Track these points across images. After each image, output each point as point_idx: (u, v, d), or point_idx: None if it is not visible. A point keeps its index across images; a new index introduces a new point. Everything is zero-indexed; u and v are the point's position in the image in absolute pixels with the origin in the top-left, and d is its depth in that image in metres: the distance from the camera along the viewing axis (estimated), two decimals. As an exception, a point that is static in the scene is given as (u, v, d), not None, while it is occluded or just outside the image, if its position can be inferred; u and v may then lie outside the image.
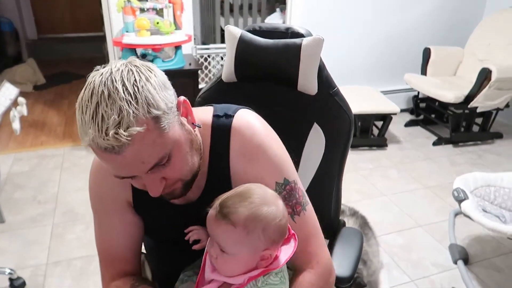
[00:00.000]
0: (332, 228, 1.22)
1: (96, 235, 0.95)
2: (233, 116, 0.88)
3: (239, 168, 0.86)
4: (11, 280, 1.77)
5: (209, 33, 4.10)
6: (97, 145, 0.66)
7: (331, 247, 1.08)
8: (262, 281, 0.76)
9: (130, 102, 0.66)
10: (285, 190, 0.85)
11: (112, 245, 0.93)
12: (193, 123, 0.81)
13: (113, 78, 0.67)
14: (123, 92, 0.66)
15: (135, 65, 0.71)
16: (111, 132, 0.64)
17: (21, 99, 2.29)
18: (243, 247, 0.74)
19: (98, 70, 0.72)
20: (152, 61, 2.57)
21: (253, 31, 1.22)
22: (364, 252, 1.77)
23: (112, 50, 2.95)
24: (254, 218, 0.73)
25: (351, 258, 0.99)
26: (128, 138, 0.65)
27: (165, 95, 0.71)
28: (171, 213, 0.91)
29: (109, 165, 0.71)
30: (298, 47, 1.12)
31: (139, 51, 2.61)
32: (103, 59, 4.96)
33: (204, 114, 0.90)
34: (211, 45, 3.29)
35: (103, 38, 3.47)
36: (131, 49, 2.49)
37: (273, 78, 1.18)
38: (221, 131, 0.87)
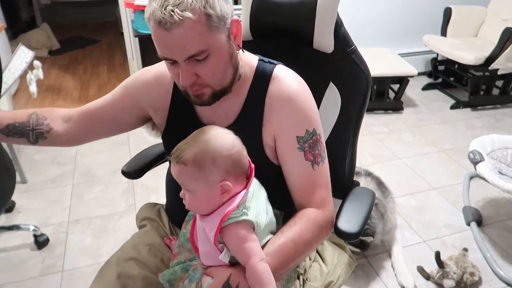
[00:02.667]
0: (345, 188, 1.22)
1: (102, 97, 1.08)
2: (276, 65, 0.96)
3: (272, 112, 0.92)
4: (35, 236, 1.85)
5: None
6: (155, 18, 0.75)
7: (342, 205, 1.09)
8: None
9: None
10: (312, 139, 0.92)
11: (100, 101, 1.08)
12: (238, 45, 0.88)
13: None
14: None
15: None
16: (169, 8, 0.74)
17: (37, 63, 2.31)
18: (199, 182, 0.79)
19: None
20: (164, 23, 2.54)
21: None
22: (382, 206, 1.78)
23: (125, 13, 2.92)
24: (201, 153, 0.78)
25: (360, 215, 1.00)
26: (180, 18, 0.74)
27: (223, 4, 0.79)
28: None
29: (158, 42, 0.79)
30: (314, 3, 1.09)
31: (151, 13, 2.58)
32: (116, 23, 4.91)
33: (251, 56, 0.98)
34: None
35: (115, 1, 3.42)
36: (143, 11, 2.46)
37: (289, 35, 1.16)
38: (263, 74, 0.94)
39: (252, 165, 0.86)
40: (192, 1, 0.74)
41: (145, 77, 1.02)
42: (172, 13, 0.73)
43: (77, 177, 2.36)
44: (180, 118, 1.00)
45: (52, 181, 2.32)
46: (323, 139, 0.97)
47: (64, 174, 2.38)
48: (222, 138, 0.81)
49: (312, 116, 0.94)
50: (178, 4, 0.74)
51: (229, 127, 0.93)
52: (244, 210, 0.80)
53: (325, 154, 0.96)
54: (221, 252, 0.80)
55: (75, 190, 2.25)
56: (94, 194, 2.22)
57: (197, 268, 0.85)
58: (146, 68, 1.04)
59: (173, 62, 0.82)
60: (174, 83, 0.98)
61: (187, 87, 0.85)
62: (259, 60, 0.97)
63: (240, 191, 0.81)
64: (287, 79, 0.94)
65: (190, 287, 0.84)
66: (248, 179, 0.84)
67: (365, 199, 1.09)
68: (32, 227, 1.85)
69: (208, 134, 0.82)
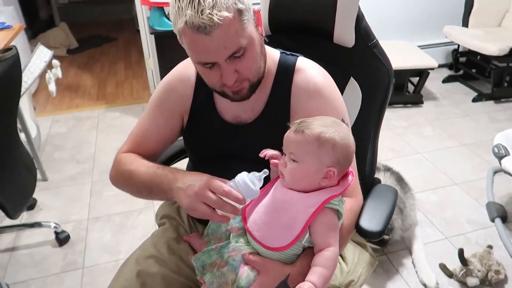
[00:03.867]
0: (366, 185, 1.19)
1: (139, 121, 1.06)
2: (298, 57, 0.98)
3: (300, 103, 0.94)
4: (56, 233, 1.88)
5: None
6: (192, 25, 0.76)
7: (364, 203, 1.06)
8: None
9: None
10: None
11: (146, 130, 1.03)
12: (261, 35, 0.89)
13: None
14: None
15: None
16: (206, 12, 0.75)
17: (55, 62, 2.33)
18: (312, 157, 0.81)
19: None
20: (180, 19, 2.54)
21: None
22: (401, 201, 1.75)
23: (141, 10, 2.93)
24: (326, 133, 0.81)
25: (383, 214, 0.97)
26: (220, 19, 0.75)
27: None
28: (222, 130, 0.99)
29: (197, 48, 0.80)
30: None
31: (167, 9, 2.58)
32: (133, 21, 4.94)
33: (272, 50, 0.99)
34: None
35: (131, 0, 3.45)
36: (159, 8, 2.46)
37: (308, 30, 1.14)
38: (286, 66, 0.96)
39: (351, 169, 0.88)
40: (224, 0, 0.76)
41: (171, 83, 1.03)
42: (211, 16, 0.74)
43: (96, 174, 2.39)
44: (202, 116, 1.01)
45: (71, 179, 2.35)
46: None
47: (84, 172, 2.41)
48: (347, 132, 0.85)
49: (340, 105, 0.96)
50: (213, 6, 0.75)
51: (255, 121, 0.97)
52: (339, 202, 0.84)
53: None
54: (300, 233, 0.80)
55: (94, 188, 2.27)
56: (113, 192, 2.23)
57: (236, 255, 0.84)
58: (165, 77, 1.05)
59: (212, 66, 0.83)
60: (196, 81, 1.00)
61: (229, 86, 0.86)
62: (281, 53, 0.99)
63: (333, 186, 0.84)
64: (311, 70, 0.96)
65: (227, 275, 0.84)
66: (343, 179, 0.87)
67: (387, 196, 1.06)
68: (53, 224, 1.88)
69: (338, 122, 0.85)
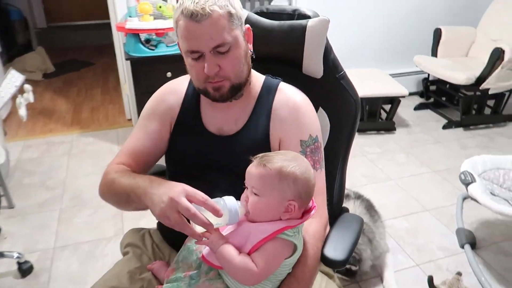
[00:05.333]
0: (334, 214, 1.20)
1: (132, 134, 1.10)
2: (281, 80, 1.08)
3: (279, 117, 1.02)
4: (19, 263, 1.80)
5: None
6: (186, 11, 0.87)
7: (329, 232, 1.06)
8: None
9: None
10: (314, 145, 1.01)
11: (137, 141, 1.07)
12: (250, 50, 1.00)
13: None
14: None
15: None
16: (201, 2, 0.87)
17: (27, 86, 2.30)
18: (274, 191, 0.83)
19: None
20: (156, 46, 2.56)
21: (261, 13, 1.22)
22: (370, 231, 1.75)
23: (117, 36, 2.94)
24: (288, 167, 0.84)
25: (347, 243, 0.98)
26: (211, 9, 0.87)
27: (240, 8, 0.95)
28: (205, 141, 1.04)
29: (188, 34, 0.90)
30: (303, 29, 1.11)
31: (143, 36, 2.60)
32: (112, 46, 4.95)
33: (259, 73, 1.09)
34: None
35: (110, 25, 3.45)
36: (134, 35, 2.47)
37: (279, 60, 1.18)
38: (270, 86, 1.06)
39: (315, 204, 0.90)
40: (219, 0, 0.89)
41: (162, 94, 1.11)
42: (204, 6, 0.87)
43: (65, 201, 2.32)
44: (187, 125, 1.06)
45: (40, 206, 2.29)
46: (322, 148, 1.05)
47: (53, 198, 2.35)
48: (308, 167, 0.88)
49: (315, 124, 1.04)
50: (207, 1, 0.87)
51: (237, 134, 1.02)
52: (295, 233, 0.85)
53: (323, 163, 1.05)
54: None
55: (63, 215, 2.21)
56: (83, 219, 2.18)
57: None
58: (158, 90, 1.13)
59: (197, 58, 0.92)
60: (186, 94, 1.08)
61: (209, 79, 0.93)
62: (266, 75, 1.09)
63: (296, 219, 0.86)
64: (291, 91, 1.06)
65: None
66: (305, 214, 0.88)
67: (352, 226, 1.07)
68: (16, 254, 1.81)
69: (299, 157, 0.89)
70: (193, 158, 1.06)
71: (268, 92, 1.05)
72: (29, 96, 2.33)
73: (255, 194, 0.84)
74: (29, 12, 5.25)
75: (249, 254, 0.82)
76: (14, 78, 2.25)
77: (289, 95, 1.04)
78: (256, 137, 1.01)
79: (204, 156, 1.04)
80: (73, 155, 2.82)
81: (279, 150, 1.00)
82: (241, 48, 0.95)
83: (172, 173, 1.13)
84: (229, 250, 0.81)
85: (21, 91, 2.26)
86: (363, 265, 1.67)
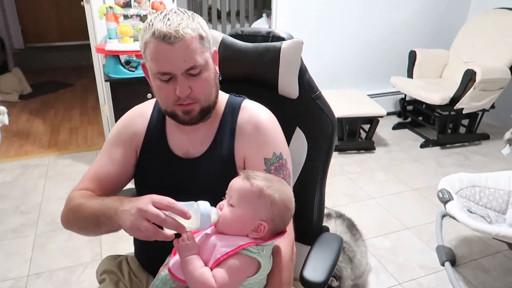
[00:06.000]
0: (314, 234, 1.20)
1: (95, 160, 1.07)
2: (245, 98, 1.07)
3: (243, 139, 1.01)
4: (-10, 292, 1.73)
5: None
6: (159, 34, 0.86)
7: (309, 252, 1.06)
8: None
9: (189, 18, 0.91)
10: (278, 162, 1.00)
11: (100, 167, 1.04)
12: (217, 72, 1.00)
13: (180, 9, 0.93)
14: (184, 13, 0.91)
15: None
16: (174, 25, 0.87)
17: (2, 108, 2.26)
18: (249, 206, 0.84)
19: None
20: (136, 67, 2.55)
21: (236, 36, 1.23)
22: (351, 250, 1.75)
23: (97, 57, 2.93)
24: (269, 190, 0.85)
25: (327, 263, 0.98)
26: (185, 32, 0.87)
27: (209, 32, 0.95)
28: (172, 165, 1.03)
29: (160, 56, 0.88)
30: (277, 50, 1.12)
31: (123, 57, 2.59)
32: (91, 67, 4.91)
33: (222, 92, 1.07)
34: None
35: (89, 46, 3.44)
36: (114, 56, 2.47)
37: (255, 82, 1.19)
38: (233, 105, 1.05)
39: (287, 230, 0.90)
40: (190, 23, 0.89)
41: (128, 118, 1.08)
42: (177, 29, 0.86)
43: (40, 226, 2.25)
44: (153, 149, 1.05)
45: (13, 232, 2.20)
46: (290, 166, 1.03)
47: (27, 223, 2.27)
48: (291, 197, 0.89)
49: (280, 141, 1.03)
50: (179, 24, 0.87)
51: (203, 155, 1.01)
52: (259, 251, 0.84)
53: (290, 180, 1.03)
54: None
55: (37, 240, 2.13)
56: (58, 244, 2.11)
57: None
58: (124, 115, 1.10)
59: (168, 80, 0.90)
60: (151, 117, 1.06)
61: (179, 102, 0.92)
62: (230, 94, 1.08)
63: (265, 240, 0.86)
64: (255, 109, 1.05)
65: None
66: (275, 236, 0.88)
67: (332, 245, 1.07)
68: (-13, 283, 1.73)
69: (284, 184, 0.90)
70: (160, 182, 1.04)
71: (232, 111, 1.04)
72: (4, 119, 2.29)
73: (231, 205, 0.85)
74: (6, 33, 5.18)
75: (212, 268, 0.82)
76: (-11, 100, 2.20)
77: (252, 113, 1.03)
78: (221, 158, 1.00)
79: (172, 179, 1.03)
80: (49, 177, 2.75)
81: (244, 169, 1.00)
82: (211, 70, 0.95)
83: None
84: (194, 261, 0.81)
85: (-5, 113, 2.22)
86: (343, 283, 1.66)
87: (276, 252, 0.92)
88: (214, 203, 0.87)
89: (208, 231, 0.88)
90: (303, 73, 1.16)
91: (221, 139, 1.02)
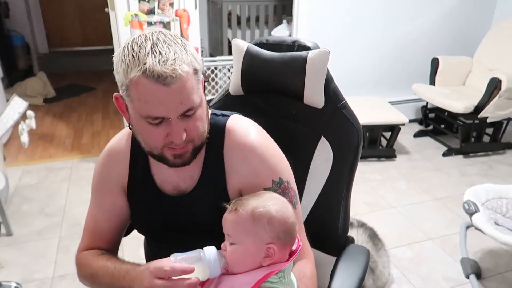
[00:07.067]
0: (339, 245, 1.19)
1: (88, 211, 1.01)
2: (229, 116, 0.95)
3: (233, 165, 0.91)
4: (16, 294, 1.77)
5: (217, 45, 4.12)
6: (152, 73, 0.72)
7: (336, 264, 1.05)
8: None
9: (182, 50, 0.77)
10: (280, 188, 0.91)
11: (97, 221, 0.99)
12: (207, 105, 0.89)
13: (163, 33, 0.79)
14: (176, 43, 0.77)
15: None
16: (169, 62, 0.73)
17: (30, 113, 2.31)
18: (249, 236, 0.78)
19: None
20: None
21: (260, 44, 1.23)
22: (373, 261, 1.73)
23: (120, 63, 2.97)
24: (260, 208, 0.78)
25: (355, 277, 0.97)
26: (183, 71, 0.74)
27: (200, 60, 0.82)
28: (164, 204, 0.94)
29: (152, 99, 0.75)
30: (303, 60, 1.12)
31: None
32: (112, 72, 5.00)
33: None
34: (218, 57, 3.31)
35: (112, 51, 3.51)
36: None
37: (280, 91, 1.18)
38: (216, 128, 0.92)
39: (300, 243, 0.85)
40: (184, 55, 0.76)
41: (104, 164, 0.98)
42: (174, 67, 0.73)
43: (65, 229, 2.29)
44: (140, 191, 0.96)
45: (38, 233, 2.25)
46: (293, 183, 0.95)
47: (52, 225, 2.32)
48: (284, 205, 0.82)
49: (276, 164, 0.92)
50: (175, 59, 0.74)
51: (194, 189, 0.93)
52: (281, 279, 0.79)
53: (296, 198, 0.95)
54: None
55: (62, 243, 2.17)
56: (82, 247, 2.14)
57: None
58: (98, 159, 1.01)
59: (160, 122, 0.78)
60: (131, 155, 0.95)
61: (171, 146, 0.81)
62: (211, 114, 0.94)
63: (282, 262, 0.81)
64: (241, 130, 0.92)
65: None
66: (291, 255, 0.83)
67: (359, 258, 1.06)
68: (14, 285, 1.77)
69: (272, 196, 0.83)
70: (155, 223, 0.99)
71: (216, 135, 0.91)
72: (32, 123, 2.34)
73: (231, 243, 0.79)
74: (31, 38, 5.31)
75: None
76: (18, 104, 2.26)
77: (239, 137, 0.91)
78: (214, 190, 0.91)
79: (167, 219, 0.96)
80: (72, 181, 2.80)
81: None
82: (204, 106, 0.84)
83: (145, 237, 1.11)
84: None
85: (23, 117, 2.27)
86: (367, 295, 1.65)
87: (303, 274, 0.89)
88: (217, 239, 0.82)
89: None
90: (328, 82, 1.16)
91: (210, 169, 0.92)
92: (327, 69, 1.15)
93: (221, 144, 0.91)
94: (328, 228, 1.18)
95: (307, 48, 1.16)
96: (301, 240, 0.90)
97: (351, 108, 1.18)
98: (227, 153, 0.91)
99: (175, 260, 0.77)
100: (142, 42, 0.75)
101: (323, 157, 1.17)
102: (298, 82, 1.14)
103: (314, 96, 1.15)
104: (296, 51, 1.17)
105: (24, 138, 2.27)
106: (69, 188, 2.71)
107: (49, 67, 5.17)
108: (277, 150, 0.95)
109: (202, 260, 0.77)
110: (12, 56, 4.80)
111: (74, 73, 5.44)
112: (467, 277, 1.92)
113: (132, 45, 0.76)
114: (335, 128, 1.16)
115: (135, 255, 1.27)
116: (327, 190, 1.17)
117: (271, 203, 0.80)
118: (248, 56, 1.19)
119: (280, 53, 1.18)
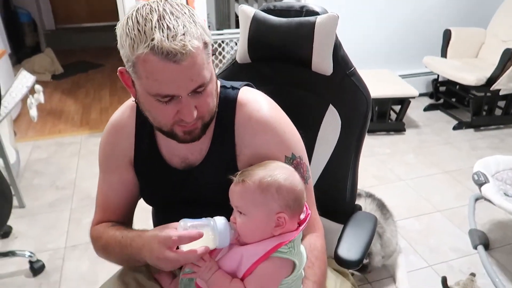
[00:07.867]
0: (347, 212, 1.19)
1: (98, 187, 1.00)
2: (239, 89, 0.91)
3: (245, 140, 0.89)
4: (31, 262, 1.81)
5: (224, 20, 4.06)
6: (160, 50, 0.68)
7: (343, 231, 1.05)
8: None
9: (191, 22, 0.72)
10: (293, 164, 0.89)
11: (107, 197, 0.98)
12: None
13: (169, 2, 0.73)
14: (184, 14, 0.72)
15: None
16: (179, 37, 0.69)
17: (38, 87, 2.32)
18: (258, 207, 0.77)
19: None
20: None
21: (268, 11, 1.20)
22: (380, 226, 1.72)
23: (126, 37, 2.95)
24: (269, 177, 0.77)
25: (361, 242, 0.97)
26: (194, 46, 0.70)
27: (208, 31, 0.77)
28: (171, 177, 0.93)
29: (161, 77, 0.72)
30: (311, 25, 1.09)
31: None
32: (119, 48, 4.97)
33: None
34: (225, 30, 3.25)
35: (118, 26, 3.48)
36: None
37: (287, 58, 1.16)
38: (227, 102, 0.89)
39: (309, 211, 0.85)
40: (193, 28, 0.71)
41: (109, 140, 0.96)
42: (184, 42, 0.69)
43: (75, 201, 2.33)
44: (147, 165, 0.95)
45: (50, 206, 2.29)
46: (305, 158, 0.94)
47: (63, 198, 2.36)
48: (291, 173, 0.81)
49: (289, 139, 0.90)
50: (184, 34, 0.69)
51: (203, 163, 0.92)
52: (291, 249, 0.78)
53: (308, 173, 0.94)
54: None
55: (73, 215, 2.21)
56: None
57: None
58: (102, 135, 0.99)
59: (169, 100, 0.75)
60: (136, 128, 0.93)
61: (182, 123, 0.79)
62: (221, 87, 0.91)
63: (291, 231, 0.80)
64: (254, 104, 0.89)
65: None
66: (300, 224, 0.83)
67: (366, 224, 1.06)
68: (28, 253, 1.81)
69: (279, 165, 0.82)
70: (164, 197, 0.98)
71: (226, 108, 0.89)
72: (40, 97, 2.34)
73: (241, 213, 0.78)
74: (38, 15, 5.28)
75: (243, 278, 0.78)
76: (25, 78, 2.27)
77: (251, 111, 0.88)
78: (223, 164, 0.89)
79: (175, 192, 0.95)
80: (82, 155, 2.83)
81: None
82: (214, 80, 0.81)
83: (153, 208, 1.11)
84: (220, 278, 0.77)
85: (31, 91, 2.28)
86: (373, 259, 1.65)
87: (314, 247, 0.90)
88: (226, 212, 0.81)
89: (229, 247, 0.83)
90: (337, 48, 1.13)
91: (219, 142, 0.90)
92: (336, 35, 1.13)
93: (232, 118, 0.89)
94: (336, 196, 1.18)
95: (315, 13, 1.13)
96: (312, 214, 0.90)
97: (360, 76, 1.16)
98: (238, 127, 0.89)
99: (185, 226, 0.77)
100: (148, 13, 0.70)
101: (331, 125, 1.15)
102: (306, 48, 1.11)
103: (322, 62, 1.12)
104: (305, 16, 1.15)
105: (33, 112, 2.28)
106: (79, 162, 2.74)
107: (56, 44, 5.16)
108: (289, 124, 0.93)
109: (213, 229, 0.76)
110: (20, 33, 4.79)
111: (82, 49, 5.42)
112: (475, 247, 1.92)
113: (136, 17, 0.71)
114: (343, 95, 1.14)
115: (144, 226, 1.29)
116: (336, 158, 1.16)
117: (278, 172, 0.79)
118: (255, 23, 1.17)
119: (287, 18, 1.16)
